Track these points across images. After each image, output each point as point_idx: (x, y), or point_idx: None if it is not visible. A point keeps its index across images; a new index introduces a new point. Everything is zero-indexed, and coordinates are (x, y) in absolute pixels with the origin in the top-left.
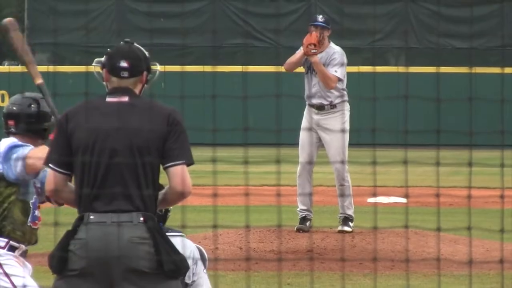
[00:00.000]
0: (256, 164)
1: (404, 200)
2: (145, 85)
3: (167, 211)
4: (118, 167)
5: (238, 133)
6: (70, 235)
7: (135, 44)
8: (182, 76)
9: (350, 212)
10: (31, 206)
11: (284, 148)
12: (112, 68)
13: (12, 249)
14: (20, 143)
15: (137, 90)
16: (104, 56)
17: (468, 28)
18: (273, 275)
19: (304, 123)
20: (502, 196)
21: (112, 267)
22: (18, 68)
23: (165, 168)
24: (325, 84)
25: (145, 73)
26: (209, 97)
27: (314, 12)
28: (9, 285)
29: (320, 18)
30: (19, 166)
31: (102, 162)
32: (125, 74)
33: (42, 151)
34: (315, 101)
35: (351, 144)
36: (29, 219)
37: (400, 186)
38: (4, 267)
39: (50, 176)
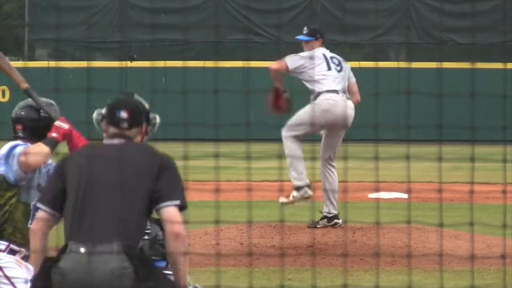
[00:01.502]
0: (258, 160)
1: (405, 196)
2: (145, 136)
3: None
4: (103, 202)
5: (239, 128)
6: (52, 263)
7: (135, 96)
8: (184, 71)
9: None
10: (32, 208)
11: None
12: (111, 119)
13: (12, 252)
14: (20, 143)
15: (136, 141)
16: (104, 108)
17: (469, 23)
18: (274, 270)
19: None
20: (504, 191)
21: None
22: (19, 64)
23: (157, 210)
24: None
25: (144, 124)
26: (210, 92)
27: (315, 7)
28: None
29: (304, 30)
30: (15, 165)
31: (88, 194)
32: (125, 124)
33: (36, 148)
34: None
35: (352, 140)
36: (30, 222)
37: (401, 181)
38: (5, 270)
39: (38, 215)
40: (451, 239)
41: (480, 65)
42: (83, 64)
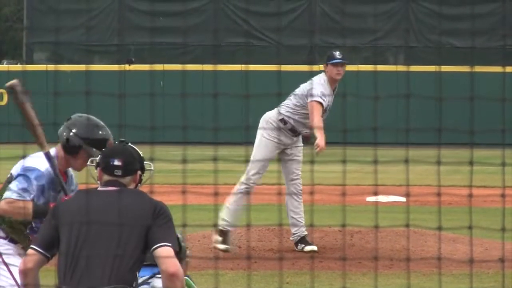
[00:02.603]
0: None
1: (403, 199)
2: (139, 184)
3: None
4: (96, 249)
5: (238, 132)
6: None
7: (130, 144)
8: (182, 75)
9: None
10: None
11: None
12: (105, 167)
13: (13, 241)
14: (30, 166)
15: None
16: (99, 156)
17: (467, 26)
18: (272, 274)
19: None
20: (503, 195)
21: None
22: (18, 67)
23: (151, 252)
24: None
25: (138, 172)
26: (209, 96)
27: (314, 10)
28: (7, 274)
29: (338, 54)
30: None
31: (81, 239)
32: (118, 172)
33: (21, 205)
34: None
35: (351, 143)
36: (27, 230)
37: (399, 185)
38: (4, 256)
39: (29, 254)
40: (450, 242)
41: (479, 68)
42: (81, 67)
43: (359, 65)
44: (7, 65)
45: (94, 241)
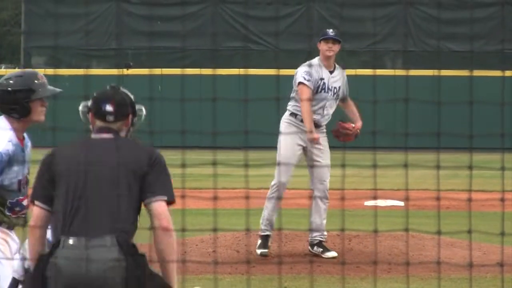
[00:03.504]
0: (254, 167)
1: (401, 203)
2: (131, 128)
3: None
4: (95, 196)
5: (236, 136)
6: (46, 259)
7: (121, 89)
8: (180, 79)
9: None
10: (7, 198)
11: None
12: (97, 112)
13: None
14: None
15: (122, 133)
16: (90, 100)
17: (465, 30)
18: (270, 278)
19: None
20: (502, 199)
21: None
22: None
23: (146, 204)
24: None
25: (130, 116)
26: (207, 100)
27: (312, 15)
28: None
29: (331, 31)
30: None
31: (79, 188)
32: (110, 117)
33: None
34: None
35: (349, 147)
36: (6, 210)
37: (397, 189)
38: None
39: (35, 212)
40: (448, 246)
41: (478, 72)
42: (79, 71)
43: (357, 69)
44: (5, 70)
45: (92, 190)
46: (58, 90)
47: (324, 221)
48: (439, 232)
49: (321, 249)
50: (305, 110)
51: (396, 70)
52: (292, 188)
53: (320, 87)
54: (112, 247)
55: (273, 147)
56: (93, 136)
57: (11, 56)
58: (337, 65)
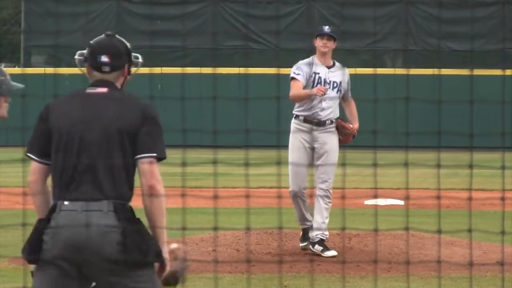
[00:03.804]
0: (254, 166)
1: (401, 202)
2: (128, 77)
3: None
4: (91, 157)
5: (235, 135)
6: (43, 224)
7: (117, 37)
8: (181, 78)
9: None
10: None
11: (283, 150)
12: (93, 63)
13: None
14: None
15: (119, 83)
16: (86, 49)
17: (465, 30)
18: (270, 277)
19: None
20: (503, 198)
21: (82, 255)
22: (16, 70)
23: (136, 160)
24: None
25: (126, 65)
26: (208, 99)
27: (312, 14)
28: None
29: (327, 28)
30: None
31: (75, 150)
32: (106, 68)
33: None
34: None
35: (349, 146)
36: None
37: (397, 188)
38: None
39: (32, 166)
40: (448, 245)
41: (478, 71)
42: (79, 70)
43: (357, 68)
44: (5, 68)
45: (86, 152)
46: (21, 86)
47: (327, 220)
48: (439, 231)
49: (321, 248)
50: (295, 93)
51: (396, 69)
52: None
53: (316, 81)
54: (109, 213)
55: (273, 146)
56: (89, 90)
57: (11, 55)
58: (337, 63)
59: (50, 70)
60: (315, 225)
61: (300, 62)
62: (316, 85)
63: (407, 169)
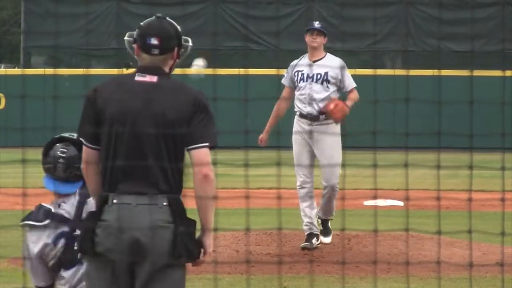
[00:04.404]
0: (253, 167)
1: (400, 203)
2: (177, 60)
3: None
4: (143, 149)
5: (234, 136)
6: (95, 216)
7: (167, 19)
8: (180, 78)
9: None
10: None
11: (283, 151)
12: (142, 45)
13: None
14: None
15: (167, 67)
16: (136, 30)
17: (465, 30)
18: (269, 278)
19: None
20: (503, 199)
21: (135, 248)
22: (16, 71)
23: (188, 150)
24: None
25: (176, 49)
26: (207, 100)
27: (312, 15)
28: None
29: (316, 23)
30: None
31: (127, 142)
32: (156, 51)
33: None
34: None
35: (349, 147)
36: None
37: (396, 189)
38: None
39: (84, 151)
40: (447, 246)
41: (478, 72)
42: (79, 71)
43: (357, 69)
44: (4, 69)
45: (139, 145)
46: None
47: (334, 206)
48: (439, 232)
49: (321, 228)
50: (274, 109)
51: (396, 70)
52: (291, 188)
53: (299, 79)
54: (163, 207)
55: (273, 146)
56: (138, 77)
57: (11, 55)
58: (330, 55)
59: (50, 70)
60: (321, 210)
61: (290, 64)
62: (299, 82)
63: (407, 170)
